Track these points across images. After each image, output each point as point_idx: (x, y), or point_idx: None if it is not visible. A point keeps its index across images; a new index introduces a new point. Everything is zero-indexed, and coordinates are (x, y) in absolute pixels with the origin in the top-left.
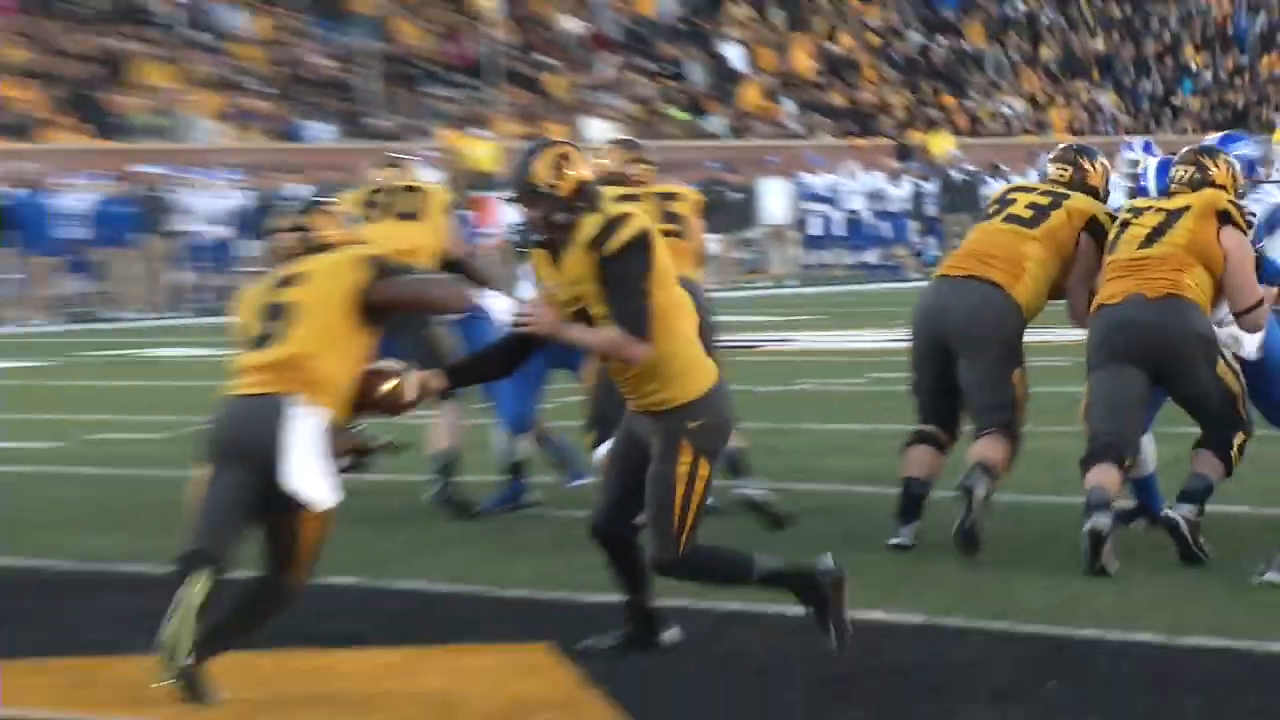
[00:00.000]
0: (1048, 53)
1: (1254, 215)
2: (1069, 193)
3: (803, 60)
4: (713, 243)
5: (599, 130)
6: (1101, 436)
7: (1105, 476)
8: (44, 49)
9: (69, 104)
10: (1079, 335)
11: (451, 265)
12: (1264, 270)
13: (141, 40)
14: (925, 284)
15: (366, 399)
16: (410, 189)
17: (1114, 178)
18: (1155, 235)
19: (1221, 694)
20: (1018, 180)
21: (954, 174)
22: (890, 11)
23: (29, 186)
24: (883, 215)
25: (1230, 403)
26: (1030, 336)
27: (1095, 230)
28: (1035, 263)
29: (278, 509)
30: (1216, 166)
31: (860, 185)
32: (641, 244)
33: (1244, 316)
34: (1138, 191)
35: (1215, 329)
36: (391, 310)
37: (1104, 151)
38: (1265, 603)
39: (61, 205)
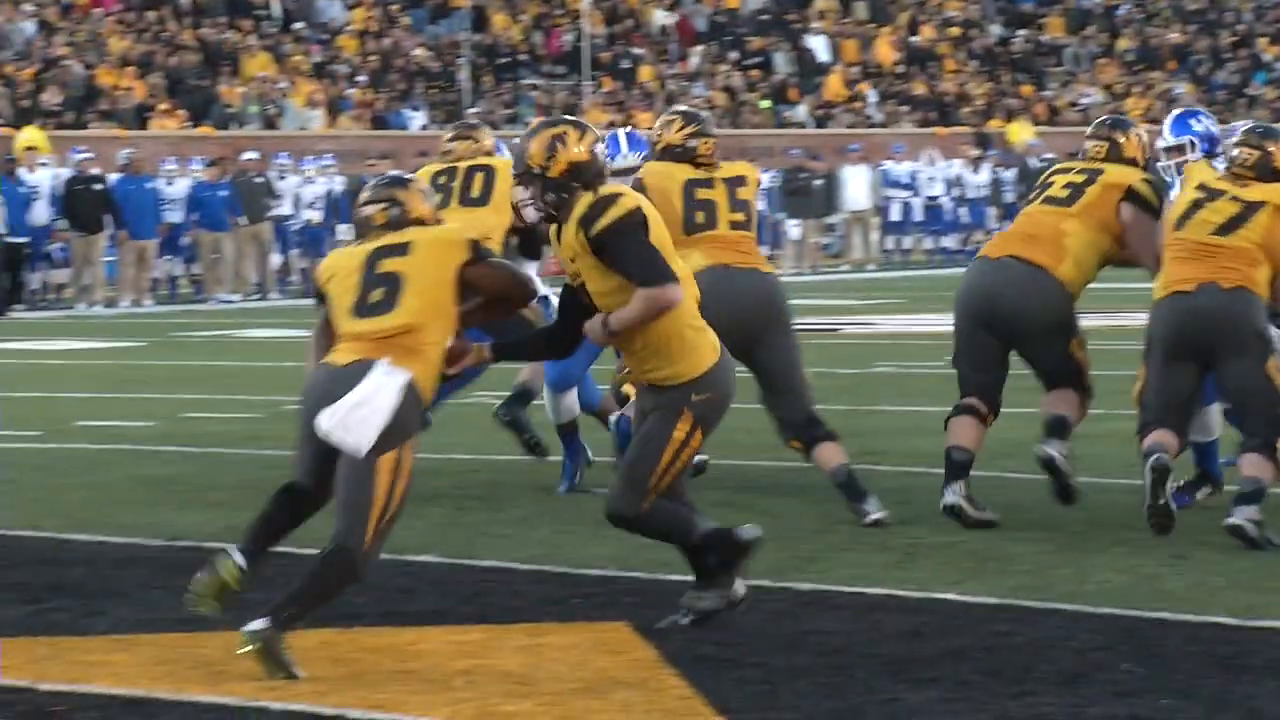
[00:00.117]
0: (1125, 44)
1: None
2: (1103, 167)
3: (885, 51)
4: (795, 228)
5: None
6: (1154, 420)
7: (1164, 437)
8: (149, 39)
9: (171, 92)
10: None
11: (519, 233)
12: None
13: (242, 31)
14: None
15: None
16: (476, 168)
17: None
18: (1232, 225)
19: None
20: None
21: (1031, 162)
22: (971, 5)
23: (132, 172)
24: (961, 202)
25: (1274, 402)
26: (1102, 321)
27: (1134, 199)
28: (1076, 239)
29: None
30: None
31: (940, 172)
32: (630, 221)
33: None
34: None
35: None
36: (475, 293)
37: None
38: None
39: (162, 190)
